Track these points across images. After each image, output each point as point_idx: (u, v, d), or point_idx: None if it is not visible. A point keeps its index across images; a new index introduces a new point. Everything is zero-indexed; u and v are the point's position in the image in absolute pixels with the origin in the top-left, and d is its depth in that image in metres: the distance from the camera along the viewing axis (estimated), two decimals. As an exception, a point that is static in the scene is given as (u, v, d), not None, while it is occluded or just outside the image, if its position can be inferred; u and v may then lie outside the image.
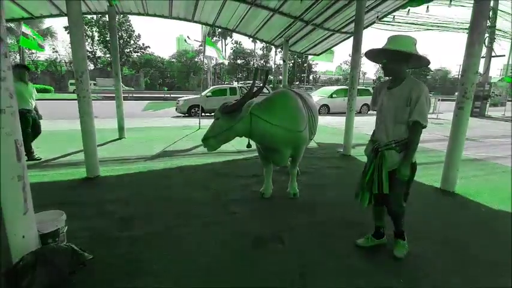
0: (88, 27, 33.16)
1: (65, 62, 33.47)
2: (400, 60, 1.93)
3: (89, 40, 33.83)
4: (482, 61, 14.72)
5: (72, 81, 21.11)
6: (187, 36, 26.54)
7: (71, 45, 3.62)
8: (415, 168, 2.07)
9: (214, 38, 22.37)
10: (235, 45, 44.01)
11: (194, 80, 37.37)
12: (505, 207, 3.17)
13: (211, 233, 2.53)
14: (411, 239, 2.28)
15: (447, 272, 2.04)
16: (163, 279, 1.91)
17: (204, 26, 24.08)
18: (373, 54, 2.09)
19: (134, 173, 4.16)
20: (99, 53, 35.67)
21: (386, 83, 2.12)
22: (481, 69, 14.86)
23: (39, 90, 18.62)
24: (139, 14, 6.76)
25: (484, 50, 14.48)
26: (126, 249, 2.23)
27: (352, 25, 6.55)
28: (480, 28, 3.20)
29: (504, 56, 14.09)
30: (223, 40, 41.95)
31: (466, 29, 14.08)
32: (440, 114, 13.52)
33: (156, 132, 7.51)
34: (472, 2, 3.31)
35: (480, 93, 14.05)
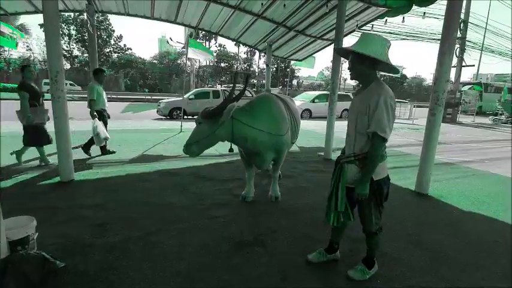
0: (65, 25, 31.90)
1: (39, 61, 31.94)
2: (365, 63, 1.70)
3: (66, 38, 32.52)
4: (454, 70, 15.56)
5: (47, 80, 20.17)
6: (170, 38, 25.99)
7: (45, 43, 3.46)
8: (381, 187, 1.80)
9: (198, 41, 22.15)
10: (218, 48, 43.89)
11: (176, 82, 36.83)
12: (474, 209, 3.34)
13: (191, 238, 2.48)
14: (387, 239, 2.35)
15: (421, 272, 2.11)
16: (140, 287, 1.85)
17: (187, 28, 23.84)
18: (342, 52, 1.94)
19: (111, 177, 4.01)
20: (76, 52, 34.34)
21: (358, 89, 1.94)
22: (453, 78, 15.69)
23: (11, 90, 17.59)
24: (119, 13, 6.60)
25: (455, 60, 15.34)
26: (100, 257, 2.14)
27: (333, 32, 6.74)
28: (451, 39, 3.38)
29: (473, 66, 14.98)
30: (207, 43, 41.70)
31: (438, 39, 14.90)
32: (416, 120, 14.13)
33: (136, 135, 7.30)
34: (444, 14, 3.50)
35: (452, 101, 14.84)
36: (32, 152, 4.37)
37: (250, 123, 2.80)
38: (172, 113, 12.00)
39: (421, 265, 2.20)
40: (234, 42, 44.46)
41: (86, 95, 4.91)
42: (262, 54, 46.43)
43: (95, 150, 5.11)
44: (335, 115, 5.42)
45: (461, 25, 14.19)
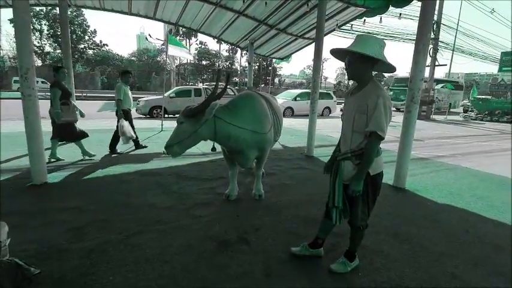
0: (36, 20, 30.19)
1: (9, 58, 30.08)
2: (364, 63, 1.75)
3: (37, 34, 30.79)
4: (428, 69, 16.24)
5: (17, 78, 19.03)
6: (149, 35, 25.21)
7: (15, 39, 3.26)
8: (377, 182, 1.86)
9: (178, 38, 21.73)
10: (199, 45, 43.28)
11: (156, 80, 35.90)
12: (448, 201, 3.51)
13: (174, 238, 2.43)
14: (367, 232, 2.41)
15: (401, 263, 2.19)
16: (121, 291, 1.79)
17: (166, 24, 23.35)
18: (338, 53, 1.91)
19: (88, 178, 3.86)
20: (48, 48, 32.60)
21: (352, 89, 1.96)
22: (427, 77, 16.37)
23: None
24: (94, 8, 6.33)
25: (429, 60, 16.03)
26: (78, 262, 2.05)
27: (314, 32, 6.84)
28: (425, 39, 3.52)
29: (446, 65, 15.72)
30: (187, 40, 40.97)
31: (413, 39, 15.49)
32: (393, 117, 14.63)
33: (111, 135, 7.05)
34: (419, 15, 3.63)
35: (426, 99, 15.51)
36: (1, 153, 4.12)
37: (233, 121, 2.78)
38: (152, 112, 11.71)
39: (400, 256, 2.29)
40: (216, 40, 44.09)
41: (114, 95, 5.18)
42: (244, 52, 46.41)
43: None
44: (317, 113, 5.51)
45: (434, 26, 14.84)
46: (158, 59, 41.49)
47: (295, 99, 14.70)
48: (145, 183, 3.77)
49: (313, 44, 6.98)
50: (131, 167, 4.44)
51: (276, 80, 45.60)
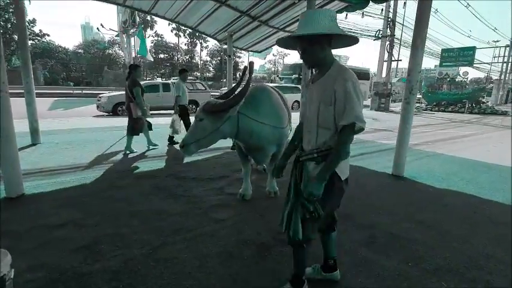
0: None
1: None
2: (320, 44, 1.39)
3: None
4: (385, 64, 17.42)
5: None
6: (101, 25, 23.17)
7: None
8: (343, 190, 1.51)
9: (132, 30, 20.09)
10: (156, 38, 40.94)
11: (109, 74, 33.02)
12: (444, 186, 3.75)
13: (208, 246, 2.20)
14: (394, 221, 2.44)
15: (439, 249, 2.24)
16: (175, 315, 1.55)
17: (121, 14, 21.39)
18: (287, 42, 1.53)
19: (72, 186, 3.35)
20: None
21: (314, 76, 1.57)
22: (384, 72, 17.58)
23: None
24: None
25: (386, 55, 17.21)
26: (107, 287, 1.73)
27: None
28: (422, 35, 3.66)
29: (401, 60, 17.08)
30: (143, 32, 38.41)
31: (373, 36, 16.49)
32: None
33: (81, 135, 6.30)
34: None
35: (384, 92, 16.70)
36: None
37: (254, 116, 2.61)
38: (116, 109, 10.74)
39: (435, 242, 2.34)
40: (174, 32, 42.06)
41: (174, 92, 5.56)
42: (205, 46, 45.11)
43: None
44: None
45: (390, 24, 15.97)
46: (110, 51, 38.31)
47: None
48: (144, 187, 3.39)
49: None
50: (119, 170, 3.98)
51: (238, 75, 45.31)
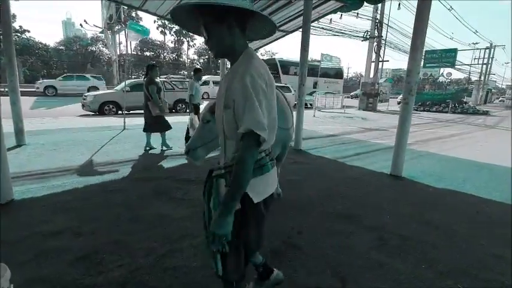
0: None
1: None
2: (226, 23, 1.06)
3: None
4: (373, 65, 17.71)
5: None
6: (84, 21, 22.41)
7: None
8: (255, 212, 1.20)
9: (117, 27, 19.45)
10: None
11: (92, 72, 32.00)
12: (442, 185, 3.80)
13: (217, 253, 2.11)
14: (403, 222, 2.43)
15: (450, 250, 2.25)
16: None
17: (105, 10, 20.71)
18: (186, 20, 1.16)
19: (65, 191, 3.17)
20: None
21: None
22: (372, 72, 17.88)
23: None
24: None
25: (374, 56, 17.50)
26: (116, 300, 1.61)
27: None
28: (421, 37, 3.68)
29: (388, 61, 17.45)
30: (126, 30, 37.50)
31: (361, 37, 16.74)
32: (347, 108, 15.70)
33: (68, 136, 6.02)
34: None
35: (372, 92, 17.00)
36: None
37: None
38: (103, 108, 10.36)
39: (445, 244, 2.35)
40: (160, 30, 41.19)
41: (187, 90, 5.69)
42: (192, 44, 44.42)
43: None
44: (303, 106, 5.50)
45: (378, 25, 16.25)
46: (93, 48, 37.15)
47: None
48: (142, 191, 3.25)
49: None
50: (114, 172, 3.80)
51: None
